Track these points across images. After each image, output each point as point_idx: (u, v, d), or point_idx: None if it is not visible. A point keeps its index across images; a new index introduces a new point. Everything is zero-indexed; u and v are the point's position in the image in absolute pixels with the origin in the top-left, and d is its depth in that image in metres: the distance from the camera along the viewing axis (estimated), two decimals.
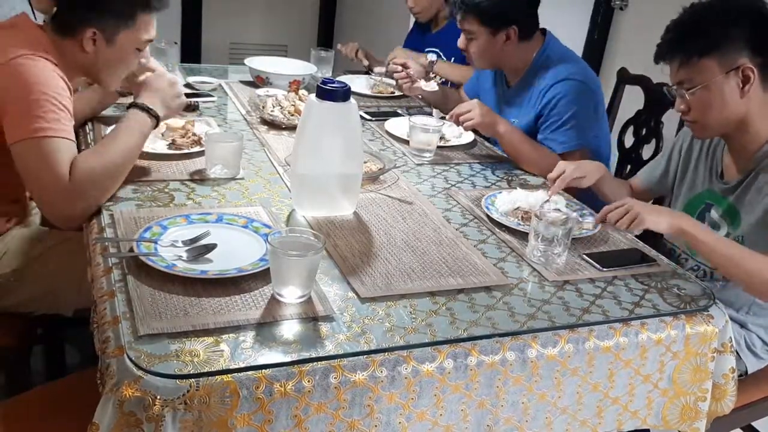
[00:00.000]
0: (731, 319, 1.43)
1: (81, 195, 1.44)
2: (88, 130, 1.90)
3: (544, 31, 2.20)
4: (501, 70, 2.30)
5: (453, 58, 2.83)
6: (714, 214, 1.68)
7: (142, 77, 1.69)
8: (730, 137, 1.62)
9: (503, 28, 2.09)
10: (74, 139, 1.49)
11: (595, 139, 2.13)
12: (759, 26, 1.49)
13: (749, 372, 1.66)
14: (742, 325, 1.65)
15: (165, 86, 1.67)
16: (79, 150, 1.62)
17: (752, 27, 1.49)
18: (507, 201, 1.71)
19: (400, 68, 2.44)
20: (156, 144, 1.79)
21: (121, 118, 1.60)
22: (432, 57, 2.65)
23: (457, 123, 2.06)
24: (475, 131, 2.22)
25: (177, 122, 1.89)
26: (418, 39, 3.05)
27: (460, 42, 2.19)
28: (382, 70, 2.75)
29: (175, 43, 2.62)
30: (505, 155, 2.15)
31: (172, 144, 1.79)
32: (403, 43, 3.18)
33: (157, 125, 1.63)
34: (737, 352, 1.59)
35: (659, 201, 2.01)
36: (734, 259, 1.46)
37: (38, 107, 1.43)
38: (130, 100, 1.69)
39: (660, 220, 1.49)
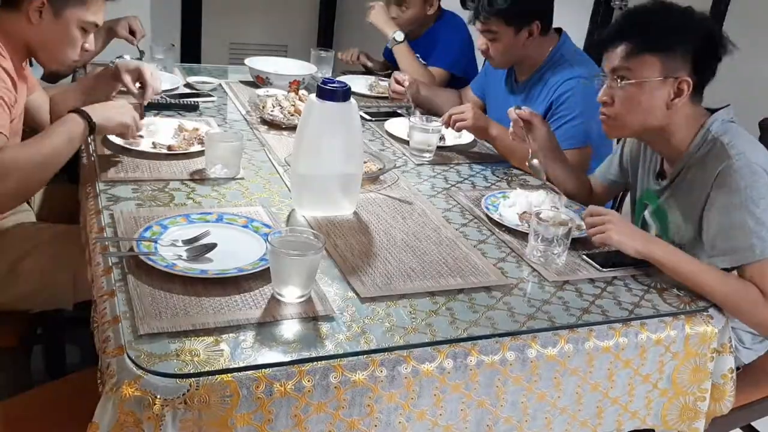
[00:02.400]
0: None
1: (1, 178, 1.42)
2: None
3: (559, 30, 2.22)
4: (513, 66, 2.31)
5: (425, 63, 2.81)
6: (646, 213, 1.68)
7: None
8: (651, 143, 1.62)
9: (527, 25, 2.10)
10: (6, 133, 1.47)
11: (599, 138, 2.14)
12: (707, 47, 1.48)
13: (745, 363, 1.67)
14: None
15: (115, 103, 1.68)
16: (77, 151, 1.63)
17: (701, 45, 1.48)
18: (509, 207, 1.70)
19: (395, 84, 2.42)
20: (156, 141, 1.80)
21: (62, 121, 1.57)
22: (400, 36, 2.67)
23: (449, 124, 2.07)
24: None
25: (188, 124, 1.93)
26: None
27: (480, 45, 2.18)
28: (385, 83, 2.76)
29: (173, 45, 2.63)
30: None
31: (169, 148, 1.78)
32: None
33: (90, 133, 1.59)
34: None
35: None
36: (705, 286, 1.40)
37: None
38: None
39: (627, 243, 1.43)
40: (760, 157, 1.46)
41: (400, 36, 2.69)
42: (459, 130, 2.08)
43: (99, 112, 1.61)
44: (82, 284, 1.56)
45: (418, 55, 2.80)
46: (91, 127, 1.58)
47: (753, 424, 1.84)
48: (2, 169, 1.41)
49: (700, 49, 1.48)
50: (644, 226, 1.68)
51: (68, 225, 1.70)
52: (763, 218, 1.40)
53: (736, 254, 1.42)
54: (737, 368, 1.55)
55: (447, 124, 2.07)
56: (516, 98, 2.28)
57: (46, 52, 1.66)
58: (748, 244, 1.40)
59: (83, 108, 1.59)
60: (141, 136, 1.78)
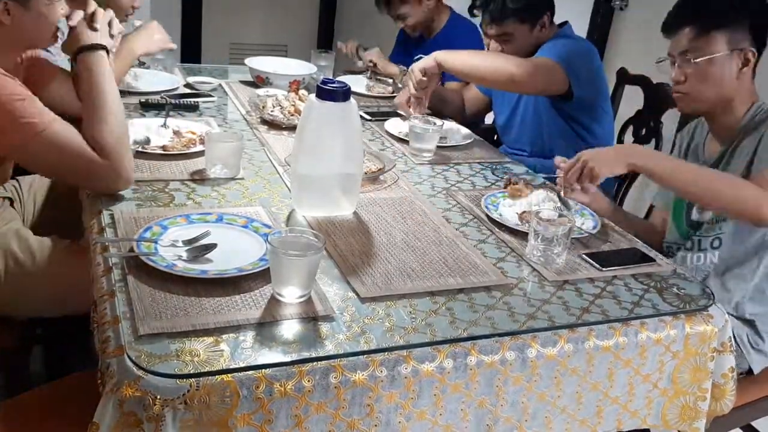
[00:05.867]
0: (733, 315, 1.43)
1: (119, 160, 1.47)
2: None
3: (562, 24, 2.27)
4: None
5: None
6: None
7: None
8: (714, 117, 1.70)
9: (540, 18, 2.13)
10: (57, 116, 1.46)
11: (599, 97, 2.16)
12: (762, 17, 1.61)
13: (756, 372, 1.66)
14: (742, 318, 1.65)
15: (145, 31, 1.70)
16: None
17: (757, 16, 1.61)
18: (509, 207, 1.70)
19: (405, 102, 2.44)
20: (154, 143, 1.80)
21: (84, 71, 1.53)
22: (403, 67, 2.66)
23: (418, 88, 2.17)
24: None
25: (184, 128, 1.93)
26: (410, 47, 3.03)
27: (494, 49, 2.21)
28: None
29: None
30: (506, 155, 2.16)
31: (163, 148, 1.78)
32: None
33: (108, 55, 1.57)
34: (741, 349, 1.59)
35: None
36: (696, 178, 1.52)
37: (14, 110, 1.41)
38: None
39: (614, 164, 1.56)
40: None
41: (404, 68, 2.72)
42: (422, 87, 2.17)
43: (95, 33, 1.56)
44: (71, 298, 1.55)
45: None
46: (106, 50, 1.55)
47: (753, 423, 1.84)
48: (112, 154, 1.45)
49: (755, 20, 1.60)
50: (690, 212, 1.75)
51: (55, 238, 1.68)
52: None
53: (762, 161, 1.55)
54: (741, 374, 1.55)
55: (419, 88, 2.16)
56: None
57: (32, 40, 1.63)
58: None
59: (85, 43, 1.54)
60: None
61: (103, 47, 1.57)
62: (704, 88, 1.63)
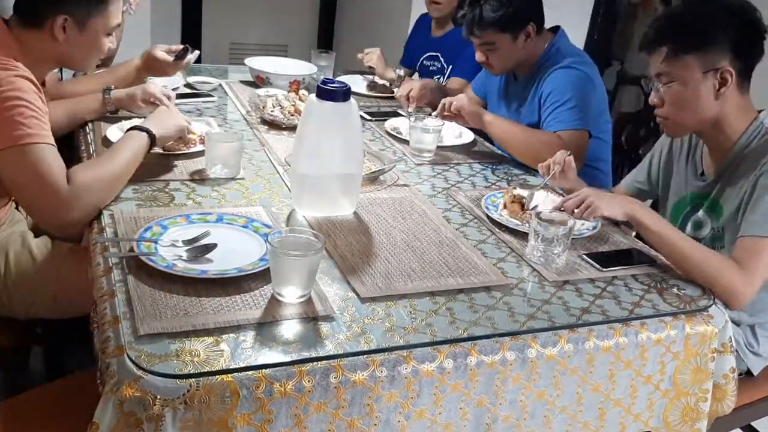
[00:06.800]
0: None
1: (78, 202, 1.43)
2: (88, 130, 1.90)
3: (556, 29, 2.23)
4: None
5: (451, 66, 2.82)
6: (700, 213, 1.68)
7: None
8: (705, 135, 1.64)
9: (522, 29, 2.11)
10: (55, 144, 1.47)
11: (596, 126, 2.13)
12: (745, 32, 1.50)
13: (755, 373, 1.66)
14: (738, 324, 1.65)
15: (163, 114, 1.74)
16: (78, 152, 1.62)
17: (739, 32, 1.50)
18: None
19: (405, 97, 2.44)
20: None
21: (120, 138, 1.63)
22: (400, 72, 2.67)
23: (443, 114, 2.09)
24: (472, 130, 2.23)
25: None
26: (421, 42, 3.04)
27: (479, 57, 2.19)
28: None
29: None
30: (506, 155, 2.15)
31: (163, 148, 1.78)
32: (403, 43, 3.18)
33: (153, 144, 1.64)
34: (738, 352, 1.59)
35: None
36: (685, 253, 1.45)
37: (18, 114, 1.41)
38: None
39: (614, 208, 1.51)
40: None
41: (401, 72, 2.72)
42: (455, 110, 2.08)
43: (155, 122, 1.67)
44: (73, 301, 1.55)
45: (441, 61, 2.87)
46: (152, 138, 1.63)
47: (753, 424, 1.84)
48: (76, 193, 1.42)
49: (739, 36, 1.50)
50: (686, 225, 1.71)
51: (57, 241, 1.67)
52: None
53: (747, 224, 1.47)
54: (740, 375, 1.54)
55: (442, 115, 2.08)
56: (515, 92, 2.28)
57: (75, 62, 1.68)
58: (763, 220, 1.45)
59: (141, 124, 1.64)
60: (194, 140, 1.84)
61: (151, 136, 1.63)
62: (681, 113, 1.56)
